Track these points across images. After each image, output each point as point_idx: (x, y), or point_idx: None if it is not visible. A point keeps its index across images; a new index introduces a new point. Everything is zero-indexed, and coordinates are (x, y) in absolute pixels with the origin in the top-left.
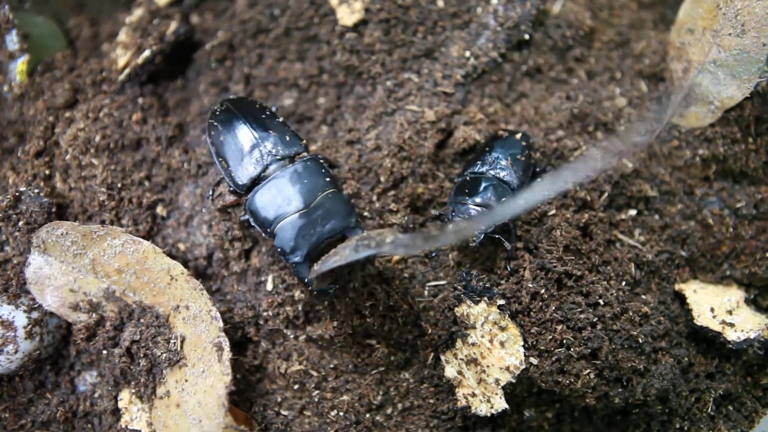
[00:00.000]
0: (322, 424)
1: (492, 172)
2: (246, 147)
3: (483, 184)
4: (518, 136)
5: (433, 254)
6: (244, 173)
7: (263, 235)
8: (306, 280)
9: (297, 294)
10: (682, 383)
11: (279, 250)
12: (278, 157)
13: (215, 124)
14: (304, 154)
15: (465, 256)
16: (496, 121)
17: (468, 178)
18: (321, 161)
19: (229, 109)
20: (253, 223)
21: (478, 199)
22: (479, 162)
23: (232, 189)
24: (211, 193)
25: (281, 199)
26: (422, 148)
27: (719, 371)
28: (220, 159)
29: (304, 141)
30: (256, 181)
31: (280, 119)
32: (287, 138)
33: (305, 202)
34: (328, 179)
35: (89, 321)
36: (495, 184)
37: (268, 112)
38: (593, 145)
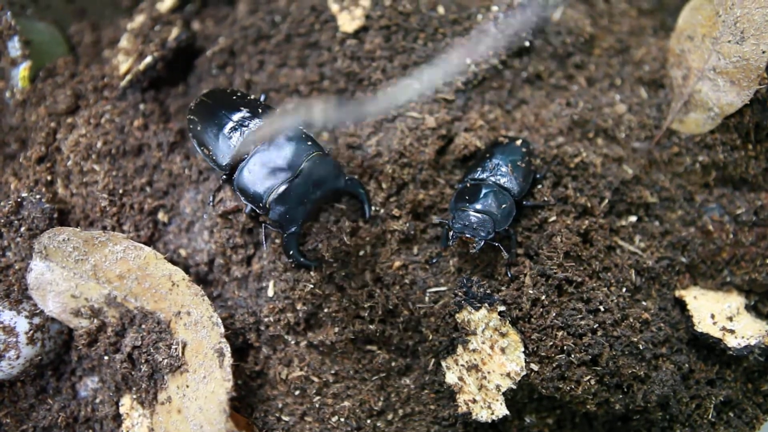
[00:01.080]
0: (324, 430)
1: (492, 179)
2: (222, 128)
3: (483, 191)
4: (518, 142)
5: (434, 260)
6: (224, 153)
7: (258, 211)
8: (290, 253)
9: (298, 301)
10: (683, 389)
11: (276, 224)
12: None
13: (192, 117)
14: None
15: (466, 262)
16: (496, 128)
17: (468, 185)
18: (300, 127)
19: (202, 101)
20: (245, 201)
21: (478, 206)
22: (480, 168)
23: (222, 177)
24: (212, 198)
25: (268, 171)
26: (423, 155)
27: (720, 378)
28: (202, 148)
29: (279, 110)
30: (239, 158)
31: (251, 97)
32: (260, 110)
33: (292, 170)
34: (310, 143)
35: (91, 327)
36: (495, 191)
37: (238, 94)
38: (593, 151)
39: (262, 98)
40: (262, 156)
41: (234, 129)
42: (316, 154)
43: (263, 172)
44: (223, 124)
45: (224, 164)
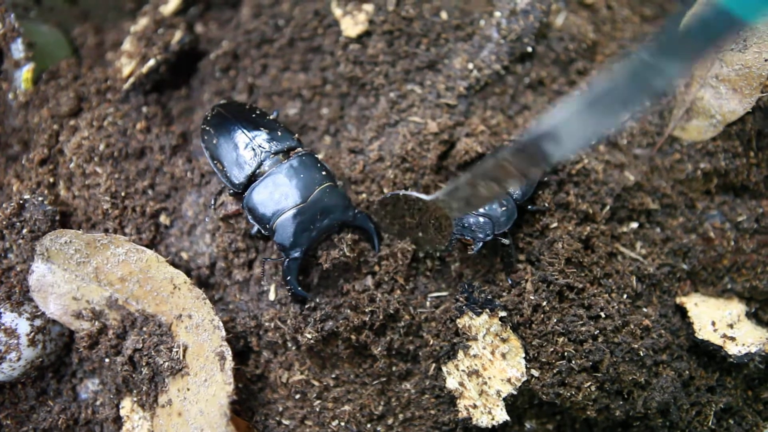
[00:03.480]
0: None
1: None
2: (239, 146)
3: None
4: None
5: (437, 265)
6: (239, 171)
7: (263, 232)
8: (288, 279)
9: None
10: (683, 396)
11: (279, 246)
12: (272, 153)
13: (207, 128)
14: (299, 149)
15: (467, 267)
16: (498, 133)
17: None
18: (316, 156)
19: (220, 113)
20: (251, 221)
21: (480, 210)
22: None
23: (231, 191)
24: (213, 202)
25: (279, 195)
26: (425, 160)
27: (720, 385)
28: (215, 161)
29: (297, 135)
30: (252, 178)
31: (271, 117)
32: (279, 134)
33: (303, 197)
34: (324, 173)
35: (92, 329)
36: None
37: (258, 112)
38: (595, 157)
39: (275, 114)
40: (276, 179)
41: (251, 148)
42: (328, 185)
43: (274, 195)
44: (240, 141)
45: (238, 183)
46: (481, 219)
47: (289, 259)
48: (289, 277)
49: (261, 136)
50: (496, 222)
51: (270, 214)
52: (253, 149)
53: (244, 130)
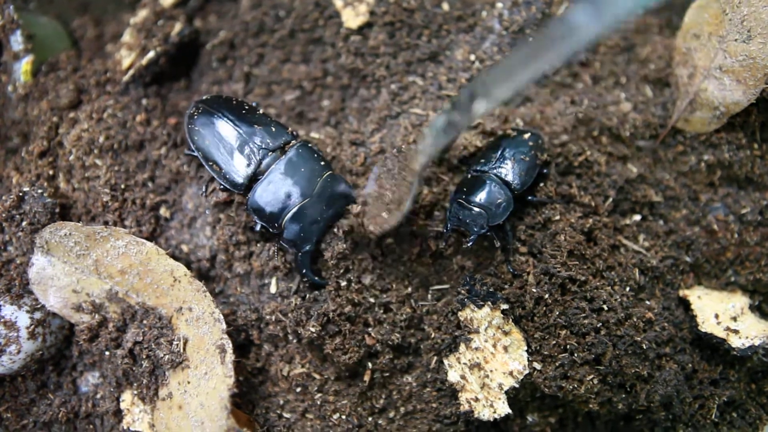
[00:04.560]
0: (325, 427)
1: (494, 171)
2: (234, 145)
3: (482, 184)
4: (527, 135)
5: (438, 257)
6: (239, 173)
7: (271, 231)
8: (304, 272)
9: (299, 297)
10: (686, 389)
11: (290, 242)
12: (270, 150)
13: (196, 128)
14: (293, 141)
15: (468, 260)
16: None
17: (470, 176)
18: (311, 145)
19: (206, 110)
20: (257, 220)
21: (474, 199)
22: (483, 159)
23: (223, 187)
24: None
25: (283, 192)
26: None
27: (723, 378)
28: (210, 163)
29: (290, 129)
30: (253, 178)
31: (261, 111)
32: (273, 129)
33: (308, 191)
34: (322, 162)
35: (92, 322)
36: (494, 185)
37: (246, 107)
38: (598, 149)
39: (254, 104)
40: (277, 176)
41: (248, 147)
42: (329, 174)
43: (279, 193)
44: (235, 141)
45: (239, 183)
46: (476, 210)
47: (301, 253)
48: (304, 270)
49: (256, 134)
50: (491, 214)
51: (277, 214)
52: (250, 147)
53: (238, 128)
